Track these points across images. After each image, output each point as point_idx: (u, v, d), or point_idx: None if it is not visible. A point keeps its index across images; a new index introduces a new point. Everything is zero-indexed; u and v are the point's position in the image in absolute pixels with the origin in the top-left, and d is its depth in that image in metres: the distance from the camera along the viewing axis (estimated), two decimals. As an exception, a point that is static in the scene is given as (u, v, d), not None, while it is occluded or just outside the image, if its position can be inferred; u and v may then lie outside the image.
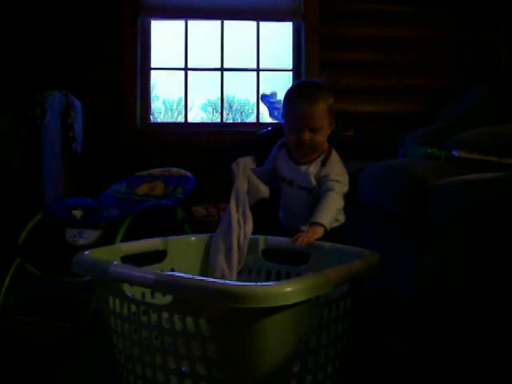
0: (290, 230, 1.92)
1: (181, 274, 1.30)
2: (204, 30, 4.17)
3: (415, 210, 1.87)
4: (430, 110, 3.82)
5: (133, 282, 1.35)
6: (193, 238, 1.98)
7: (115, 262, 1.37)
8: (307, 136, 1.91)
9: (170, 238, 1.88)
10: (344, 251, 1.66)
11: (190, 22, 4.07)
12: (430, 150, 2.19)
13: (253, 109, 4.32)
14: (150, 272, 1.28)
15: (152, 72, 4.07)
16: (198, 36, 4.13)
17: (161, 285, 1.25)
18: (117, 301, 1.40)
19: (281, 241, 1.87)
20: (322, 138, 1.94)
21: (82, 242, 2.43)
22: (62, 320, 2.24)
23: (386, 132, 3.48)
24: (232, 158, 3.82)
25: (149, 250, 1.83)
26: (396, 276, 2.05)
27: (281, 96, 3.93)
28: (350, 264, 1.38)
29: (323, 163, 1.95)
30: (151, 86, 4.13)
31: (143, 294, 1.59)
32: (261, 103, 4.04)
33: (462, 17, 4.09)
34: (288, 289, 1.14)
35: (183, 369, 1.30)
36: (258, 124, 4.11)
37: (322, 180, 1.93)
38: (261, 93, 4.05)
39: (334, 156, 1.98)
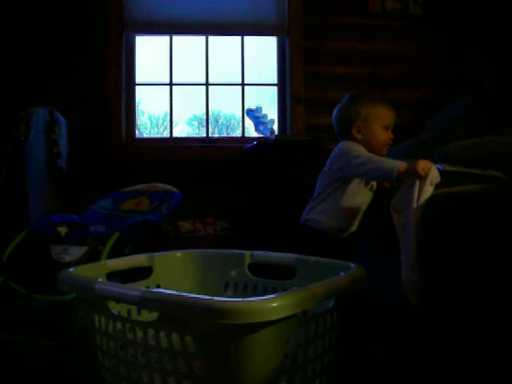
0: (334, 238, 2.02)
1: (166, 291, 1.29)
2: (189, 46, 4.18)
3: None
4: (415, 123, 3.84)
5: (118, 299, 1.33)
6: (178, 254, 1.94)
7: (100, 280, 1.35)
8: (392, 135, 2.11)
9: (156, 254, 1.85)
10: (330, 265, 1.65)
11: (174, 38, 4.08)
12: (414, 163, 2.20)
13: (238, 123, 4.32)
14: (135, 289, 1.26)
15: (138, 87, 4.07)
16: (183, 51, 4.13)
17: (146, 302, 1.23)
18: (102, 318, 1.38)
19: (267, 255, 1.85)
20: None
21: (67, 258, 2.42)
22: (48, 338, 2.22)
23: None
24: (218, 173, 3.85)
25: (134, 266, 1.80)
26: (385, 287, 2.05)
27: (266, 110, 3.93)
28: (336, 279, 1.37)
29: None
30: (137, 101, 4.12)
31: (129, 311, 1.57)
32: (246, 118, 4.05)
33: (446, 31, 4.13)
34: (273, 304, 1.13)
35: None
36: (244, 139, 4.11)
37: None
38: (246, 107, 4.05)
39: None
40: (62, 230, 2.49)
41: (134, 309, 1.59)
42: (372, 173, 1.89)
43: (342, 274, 1.40)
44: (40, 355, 2.07)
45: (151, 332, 1.28)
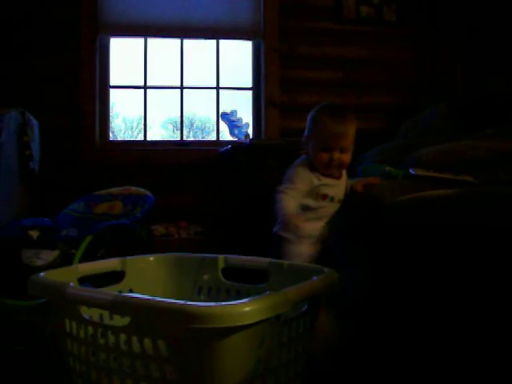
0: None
1: (138, 295, 1.28)
2: (164, 48, 4.16)
3: (370, 227, 1.89)
4: (389, 128, 3.87)
5: (90, 303, 1.31)
6: (151, 258, 1.92)
7: (71, 284, 1.33)
8: (337, 156, 1.99)
9: (128, 258, 1.84)
10: (303, 269, 1.66)
11: (149, 40, 4.06)
12: (387, 169, 2.22)
13: (213, 127, 4.32)
14: (106, 293, 1.25)
15: (112, 90, 4.04)
16: (157, 54, 4.12)
17: (118, 306, 1.22)
18: (73, 323, 1.36)
19: (241, 259, 1.84)
20: (348, 158, 2.03)
21: (38, 262, 2.39)
22: (18, 344, 2.18)
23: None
24: (192, 177, 3.84)
25: (107, 270, 1.78)
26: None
27: (241, 114, 3.93)
28: (309, 282, 1.37)
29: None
30: (111, 104, 4.09)
31: (101, 316, 1.54)
32: (221, 121, 4.04)
33: (420, 37, 4.17)
34: (246, 308, 1.12)
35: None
36: (218, 142, 4.10)
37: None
38: (221, 111, 4.05)
39: None
40: (34, 233, 2.46)
41: (106, 314, 1.55)
42: (275, 212, 1.96)
43: (315, 278, 1.40)
44: (9, 361, 2.04)
45: (123, 337, 1.26)
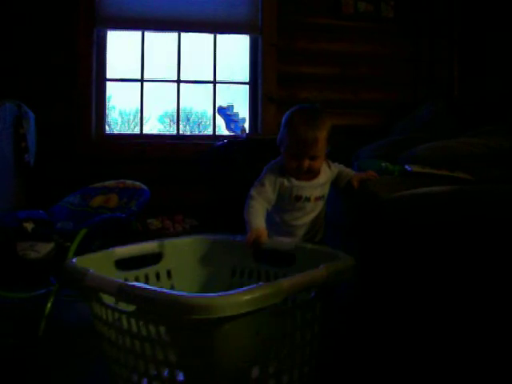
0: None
1: (141, 285, 1.36)
2: (161, 42, 4.15)
3: (366, 223, 1.89)
4: (386, 124, 3.87)
5: (101, 290, 1.39)
6: (188, 240, 2.02)
7: (91, 271, 1.40)
8: (306, 163, 1.94)
9: (166, 240, 1.94)
10: (324, 252, 1.70)
11: (146, 34, 4.05)
12: (383, 164, 2.22)
13: (210, 121, 4.31)
14: (114, 282, 1.33)
15: (109, 83, 4.03)
16: (154, 47, 4.10)
17: (123, 295, 1.29)
18: (96, 306, 1.45)
19: (269, 242, 1.88)
20: (319, 164, 1.99)
21: (33, 255, 2.37)
22: (10, 337, 2.17)
23: (341, 145, 3.51)
24: (188, 171, 3.83)
25: (144, 252, 1.86)
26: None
27: (237, 108, 3.93)
28: (310, 273, 1.39)
29: (329, 166, 2.09)
30: (107, 96, 4.08)
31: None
32: (218, 116, 4.03)
33: (417, 33, 4.17)
34: (235, 299, 1.17)
35: (154, 373, 1.34)
36: (215, 136, 4.09)
37: (339, 174, 2.14)
38: (218, 105, 4.04)
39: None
40: (29, 225, 2.45)
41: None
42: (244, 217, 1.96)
43: (322, 266, 1.41)
44: (1, 354, 2.03)
45: (133, 321, 1.32)
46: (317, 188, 2.03)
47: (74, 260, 1.55)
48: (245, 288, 1.23)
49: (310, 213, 2.04)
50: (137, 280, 1.80)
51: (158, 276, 1.89)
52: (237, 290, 1.20)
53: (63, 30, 3.76)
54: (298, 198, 2.00)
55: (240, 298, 1.17)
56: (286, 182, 2.00)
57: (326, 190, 2.08)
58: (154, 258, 1.88)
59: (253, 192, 1.99)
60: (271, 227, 1.98)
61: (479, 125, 2.74)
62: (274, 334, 1.34)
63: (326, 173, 2.08)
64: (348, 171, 2.17)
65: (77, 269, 1.47)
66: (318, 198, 2.04)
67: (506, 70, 3.62)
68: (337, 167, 2.16)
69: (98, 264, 1.62)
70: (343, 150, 3.28)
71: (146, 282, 1.83)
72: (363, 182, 2.07)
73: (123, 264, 1.75)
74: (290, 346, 1.40)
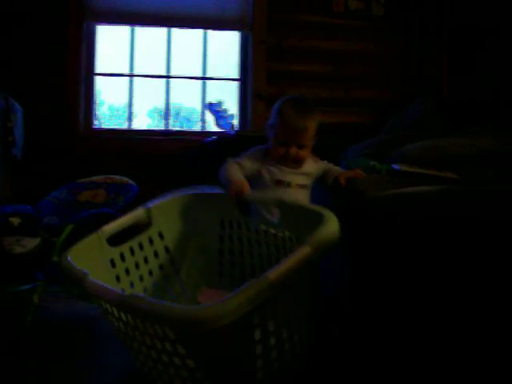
0: None
1: (142, 296, 1.33)
2: (151, 37, 4.13)
3: (352, 222, 1.89)
4: (375, 122, 3.88)
5: (101, 299, 1.42)
6: (174, 199, 2.06)
7: (89, 277, 1.40)
8: (294, 151, 1.98)
9: (152, 205, 1.98)
10: (307, 210, 1.74)
11: (136, 29, 4.03)
12: (371, 163, 2.22)
13: (200, 117, 4.30)
14: (114, 293, 1.35)
15: (98, 77, 4.01)
16: (144, 42, 4.08)
17: (123, 307, 1.31)
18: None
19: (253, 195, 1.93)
20: (306, 153, 2.02)
21: (19, 250, 2.36)
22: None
23: (330, 143, 3.51)
24: (176, 166, 3.82)
25: (131, 223, 1.90)
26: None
27: (227, 105, 3.92)
28: (295, 255, 1.35)
29: (315, 161, 2.11)
30: (96, 91, 4.06)
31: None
32: (207, 112, 4.02)
33: (407, 32, 4.18)
34: (228, 309, 1.16)
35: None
36: (204, 133, 4.09)
37: (326, 172, 2.14)
38: (207, 101, 4.03)
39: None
40: (15, 220, 2.43)
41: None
42: (220, 180, 1.98)
43: (305, 244, 1.38)
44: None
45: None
46: (299, 175, 2.05)
47: (69, 258, 1.54)
48: (234, 292, 1.21)
49: (298, 200, 2.03)
50: (131, 251, 1.88)
51: (150, 241, 1.96)
52: (226, 298, 1.19)
53: (52, 23, 3.73)
54: (279, 183, 2.02)
55: (234, 305, 1.17)
56: (267, 165, 2.03)
57: (308, 181, 2.09)
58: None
59: (228, 160, 2.03)
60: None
61: (468, 123, 2.75)
62: (268, 314, 1.37)
63: (311, 165, 2.10)
64: (335, 169, 2.17)
65: (74, 272, 1.47)
66: (299, 186, 2.05)
67: (494, 68, 3.63)
68: (324, 164, 2.18)
69: (91, 249, 1.70)
70: (332, 148, 3.29)
71: (141, 250, 1.92)
72: (350, 180, 2.07)
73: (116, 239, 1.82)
74: (285, 317, 1.45)
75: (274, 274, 1.26)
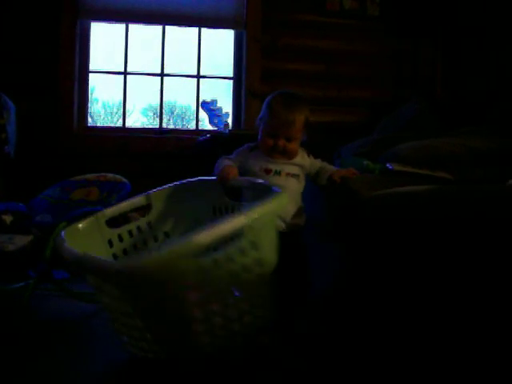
0: None
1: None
2: (145, 35, 4.13)
3: (346, 222, 1.89)
4: (369, 122, 3.89)
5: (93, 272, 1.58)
6: (171, 187, 2.22)
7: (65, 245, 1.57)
8: (282, 143, 2.02)
9: (152, 191, 2.14)
10: (263, 186, 1.82)
11: (130, 26, 4.02)
12: (365, 163, 2.23)
13: (194, 115, 4.30)
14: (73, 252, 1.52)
15: (92, 75, 4.00)
16: (139, 40, 4.08)
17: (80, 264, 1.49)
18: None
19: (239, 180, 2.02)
20: (295, 146, 2.05)
21: (11, 247, 2.36)
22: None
23: (323, 143, 3.52)
24: (170, 165, 3.81)
25: (132, 208, 2.08)
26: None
27: (221, 103, 3.92)
28: (227, 222, 1.39)
29: (308, 155, 2.13)
30: (90, 88, 4.05)
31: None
32: (201, 110, 4.02)
33: (401, 32, 4.19)
34: (148, 263, 1.29)
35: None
36: (198, 131, 4.09)
37: (320, 170, 2.14)
38: (201, 99, 4.03)
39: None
40: (7, 218, 2.43)
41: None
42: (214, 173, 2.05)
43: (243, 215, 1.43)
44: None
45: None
46: (289, 165, 2.07)
47: (65, 244, 1.61)
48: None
49: (290, 189, 2.04)
50: (130, 234, 2.04)
51: (150, 225, 2.11)
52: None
53: (46, 20, 3.72)
54: (268, 171, 2.05)
55: (154, 262, 1.28)
56: (253, 157, 2.09)
57: (300, 172, 2.10)
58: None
59: (221, 156, 2.13)
60: None
61: (461, 124, 2.76)
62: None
63: (304, 157, 2.12)
64: (330, 167, 2.18)
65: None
66: (289, 174, 2.06)
67: (487, 69, 3.64)
68: (318, 162, 2.18)
69: (89, 229, 1.86)
70: (325, 147, 3.29)
71: (140, 234, 2.07)
72: (344, 179, 2.07)
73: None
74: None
75: (199, 236, 1.30)
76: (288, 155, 2.05)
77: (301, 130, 2.04)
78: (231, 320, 1.55)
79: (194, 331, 1.47)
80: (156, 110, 4.33)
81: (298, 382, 1.66)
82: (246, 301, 1.60)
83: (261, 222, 1.47)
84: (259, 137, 2.09)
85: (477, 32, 3.81)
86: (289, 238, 2.01)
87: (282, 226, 1.99)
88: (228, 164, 2.03)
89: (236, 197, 2.11)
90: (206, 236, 1.31)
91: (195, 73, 4.14)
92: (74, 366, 1.81)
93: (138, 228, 2.07)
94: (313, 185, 2.17)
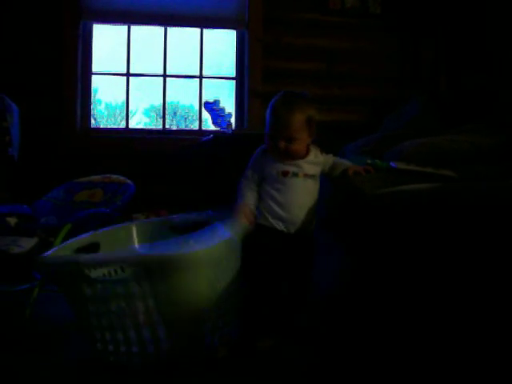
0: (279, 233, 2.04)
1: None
2: (148, 36, 4.13)
3: (350, 219, 1.89)
4: (371, 121, 3.88)
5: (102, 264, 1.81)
6: (118, 227, 2.38)
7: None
8: (282, 145, 1.99)
9: (100, 230, 2.26)
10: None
11: (132, 27, 4.02)
12: (369, 161, 2.22)
13: (197, 115, 4.30)
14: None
15: (95, 76, 4.01)
16: (141, 41, 4.08)
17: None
18: (85, 286, 1.76)
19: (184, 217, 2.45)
20: (297, 147, 2.01)
21: (16, 250, 2.36)
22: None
23: (327, 141, 3.51)
24: (173, 165, 3.81)
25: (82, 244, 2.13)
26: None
27: (224, 104, 3.92)
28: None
29: (321, 152, 2.14)
30: (93, 90, 4.06)
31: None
32: (204, 110, 4.02)
33: (403, 30, 4.18)
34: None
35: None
36: (201, 131, 4.09)
37: (334, 165, 2.16)
38: (204, 100, 4.03)
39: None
40: (12, 220, 2.43)
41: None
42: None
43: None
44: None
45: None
46: (305, 164, 2.06)
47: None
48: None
49: (301, 191, 2.05)
50: None
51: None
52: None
53: (48, 22, 3.73)
54: (285, 173, 2.03)
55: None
56: (269, 161, 2.06)
57: (317, 171, 2.10)
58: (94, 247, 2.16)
59: (244, 175, 2.12)
60: (262, 209, 2.07)
61: (464, 121, 2.75)
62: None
63: (318, 156, 2.12)
64: (345, 162, 2.18)
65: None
66: (307, 175, 2.06)
67: (489, 67, 3.63)
68: (331, 158, 2.19)
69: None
70: (329, 145, 3.29)
71: None
72: (355, 174, 2.08)
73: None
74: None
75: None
76: (292, 156, 2.03)
77: (302, 130, 2.00)
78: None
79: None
80: (159, 110, 4.34)
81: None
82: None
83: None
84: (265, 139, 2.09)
85: (479, 30, 3.81)
86: (298, 240, 2.03)
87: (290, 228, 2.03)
88: (243, 204, 2.04)
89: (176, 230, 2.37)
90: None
91: (197, 73, 4.14)
92: (78, 366, 1.84)
93: None
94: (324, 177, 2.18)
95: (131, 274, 1.73)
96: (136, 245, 2.37)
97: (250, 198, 2.05)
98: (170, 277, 1.70)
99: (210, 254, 1.76)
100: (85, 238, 2.17)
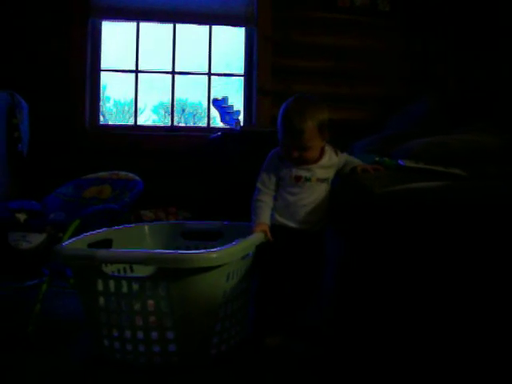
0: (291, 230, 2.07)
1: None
2: (156, 33, 4.13)
3: (358, 217, 1.89)
4: (380, 119, 3.87)
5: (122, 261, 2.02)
6: (134, 228, 2.54)
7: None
8: (295, 154, 1.99)
9: (113, 228, 2.36)
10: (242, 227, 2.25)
11: (141, 24, 4.03)
12: (377, 159, 2.22)
13: (205, 112, 4.30)
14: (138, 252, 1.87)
15: (104, 73, 4.02)
16: (150, 38, 4.09)
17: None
18: (100, 281, 1.81)
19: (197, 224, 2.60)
20: (311, 154, 2.02)
21: (25, 245, 2.37)
22: None
23: (335, 139, 3.51)
24: (182, 162, 3.82)
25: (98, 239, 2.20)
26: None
27: (232, 101, 3.92)
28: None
29: (336, 153, 2.14)
30: (102, 87, 4.07)
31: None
32: (212, 108, 4.02)
33: (411, 28, 4.17)
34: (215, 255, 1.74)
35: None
36: (209, 129, 4.10)
37: (346, 163, 2.17)
38: (212, 97, 4.03)
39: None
40: (21, 216, 2.44)
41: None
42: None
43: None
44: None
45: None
46: (318, 169, 2.06)
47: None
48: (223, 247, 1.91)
49: (313, 194, 2.07)
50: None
51: None
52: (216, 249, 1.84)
53: (57, 19, 3.74)
54: (298, 178, 2.04)
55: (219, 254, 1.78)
56: (284, 166, 2.07)
57: (330, 174, 2.11)
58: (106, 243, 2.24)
59: (258, 182, 2.12)
60: (278, 210, 2.08)
61: (472, 120, 2.74)
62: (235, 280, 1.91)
63: (332, 158, 2.12)
64: (356, 161, 2.19)
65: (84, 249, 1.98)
66: (320, 180, 2.07)
67: (499, 66, 3.62)
68: (344, 157, 2.20)
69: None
70: (337, 144, 3.29)
71: None
72: (364, 172, 2.08)
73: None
74: (239, 290, 1.97)
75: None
76: (306, 162, 2.04)
77: (314, 138, 1.99)
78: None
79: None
80: (167, 107, 4.34)
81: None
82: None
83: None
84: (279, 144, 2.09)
85: (488, 27, 3.79)
86: (309, 238, 2.04)
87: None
88: (260, 224, 2.05)
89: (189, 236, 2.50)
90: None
91: (206, 70, 4.15)
92: (84, 363, 1.86)
93: None
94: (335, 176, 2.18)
95: (148, 273, 1.75)
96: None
97: (266, 216, 2.06)
98: (185, 277, 1.72)
99: (228, 256, 1.78)
100: (98, 234, 2.22)
